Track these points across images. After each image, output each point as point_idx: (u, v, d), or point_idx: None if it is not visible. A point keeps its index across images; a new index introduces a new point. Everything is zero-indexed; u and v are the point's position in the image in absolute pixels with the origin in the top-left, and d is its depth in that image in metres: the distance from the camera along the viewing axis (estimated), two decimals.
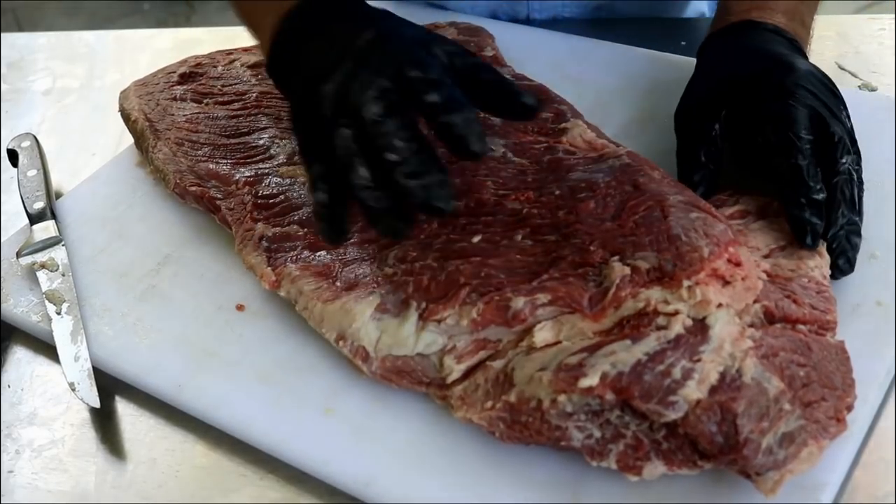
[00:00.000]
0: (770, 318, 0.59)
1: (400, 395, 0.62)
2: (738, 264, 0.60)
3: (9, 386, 0.69)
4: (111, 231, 0.77)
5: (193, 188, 0.74)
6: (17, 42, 1.09)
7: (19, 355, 0.71)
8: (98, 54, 1.06)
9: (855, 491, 0.56)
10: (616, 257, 0.60)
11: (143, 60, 1.01)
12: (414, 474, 0.58)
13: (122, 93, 0.86)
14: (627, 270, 0.59)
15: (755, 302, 0.59)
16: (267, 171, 0.73)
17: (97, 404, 0.64)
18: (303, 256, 0.66)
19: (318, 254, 0.66)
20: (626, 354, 0.55)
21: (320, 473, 0.59)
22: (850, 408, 0.56)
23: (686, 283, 0.57)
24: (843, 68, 0.85)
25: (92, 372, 0.66)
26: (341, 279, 0.64)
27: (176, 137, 0.78)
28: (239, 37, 1.00)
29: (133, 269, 0.73)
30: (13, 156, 0.82)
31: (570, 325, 0.59)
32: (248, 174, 0.73)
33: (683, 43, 0.92)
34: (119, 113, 0.84)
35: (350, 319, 0.61)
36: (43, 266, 0.72)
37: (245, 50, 0.88)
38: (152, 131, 0.80)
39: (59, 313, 0.69)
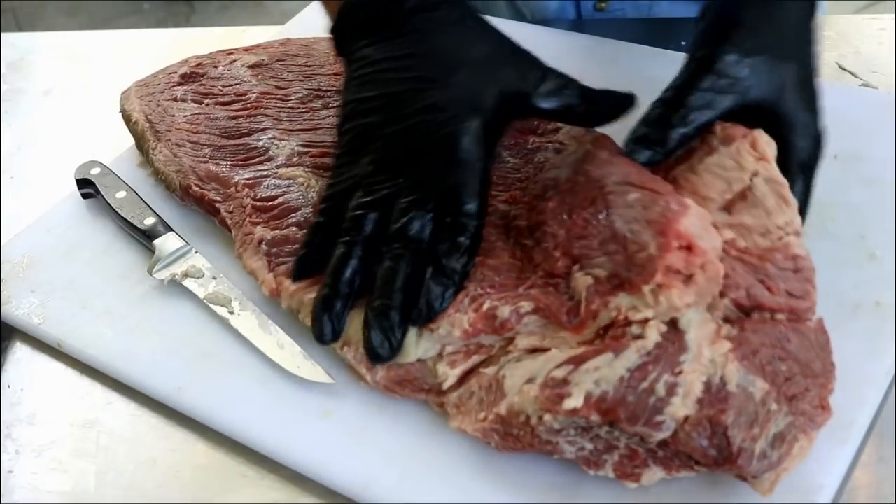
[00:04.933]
0: (742, 309, 0.57)
1: (398, 400, 0.62)
2: (690, 248, 0.56)
3: (9, 386, 0.69)
4: (112, 233, 0.77)
5: (194, 190, 0.74)
6: (17, 42, 1.09)
7: (19, 355, 0.71)
8: (98, 54, 1.06)
9: (855, 491, 0.56)
10: (577, 266, 0.59)
11: (143, 60, 1.00)
12: (412, 477, 0.58)
13: (123, 94, 0.86)
14: (590, 280, 0.58)
15: (722, 296, 0.57)
16: (266, 172, 0.73)
17: (329, 380, 0.63)
18: None
19: None
20: (609, 371, 0.54)
21: (318, 476, 0.59)
22: (830, 392, 0.56)
23: (646, 288, 0.55)
24: (843, 68, 0.85)
25: (304, 353, 0.64)
26: None
27: (176, 139, 0.78)
28: (239, 37, 1.01)
29: (134, 271, 0.73)
30: (85, 184, 0.80)
31: (552, 332, 0.58)
32: (247, 176, 0.73)
33: (683, 43, 0.92)
34: (120, 114, 0.84)
35: (351, 327, 0.61)
36: (186, 275, 0.71)
37: (246, 50, 0.88)
38: (153, 132, 0.80)
39: (232, 312, 0.68)
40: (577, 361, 0.55)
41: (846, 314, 0.62)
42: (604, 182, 0.61)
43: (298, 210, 0.70)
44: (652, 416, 0.52)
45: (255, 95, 0.81)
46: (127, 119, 0.83)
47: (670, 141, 0.62)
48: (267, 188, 0.72)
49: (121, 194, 0.77)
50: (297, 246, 0.67)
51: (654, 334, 0.54)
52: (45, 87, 1.01)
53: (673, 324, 0.55)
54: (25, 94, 1.01)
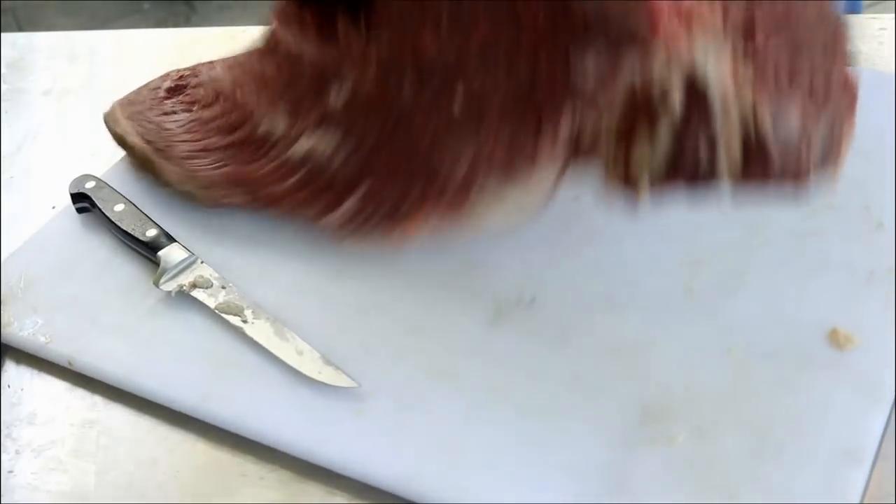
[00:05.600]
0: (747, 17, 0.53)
1: (432, 391, 0.61)
2: None
3: (9, 386, 0.69)
4: (110, 247, 0.76)
5: (225, 202, 0.73)
6: (17, 42, 1.09)
7: (19, 355, 0.71)
8: (98, 54, 1.06)
9: None
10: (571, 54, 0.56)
11: (143, 60, 1.01)
12: (456, 468, 0.57)
13: (107, 115, 0.83)
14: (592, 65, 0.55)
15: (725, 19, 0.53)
16: (282, 154, 0.72)
17: (353, 383, 0.62)
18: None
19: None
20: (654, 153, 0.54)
21: (358, 474, 0.59)
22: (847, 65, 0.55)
23: (657, 43, 0.52)
24: None
25: (324, 357, 0.64)
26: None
27: (180, 152, 0.77)
28: (239, 36, 1.00)
29: (138, 285, 0.72)
30: (80, 198, 0.79)
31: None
32: (269, 166, 0.72)
33: None
34: (113, 138, 0.82)
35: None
36: (194, 286, 0.70)
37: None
38: (154, 152, 0.78)
39: (245, 321, 0.67)
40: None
41: (861, 283, 0.63)
42: None
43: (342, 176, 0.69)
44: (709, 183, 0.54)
45: (230, 88, 0.79)
46: (121, 142, 0.81)
47: None
48: (294, 167, 0.71)
49: (119, 207, 0.76)
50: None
51: (677, 96, 0.53)
52: (45, 87, 1.01)
53: (691, 82, 0.53)
54: (25, 94, 1.01)
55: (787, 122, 0.53)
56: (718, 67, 0.52)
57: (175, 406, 0.64)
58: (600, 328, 0.64)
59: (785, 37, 0.54)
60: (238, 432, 0.62)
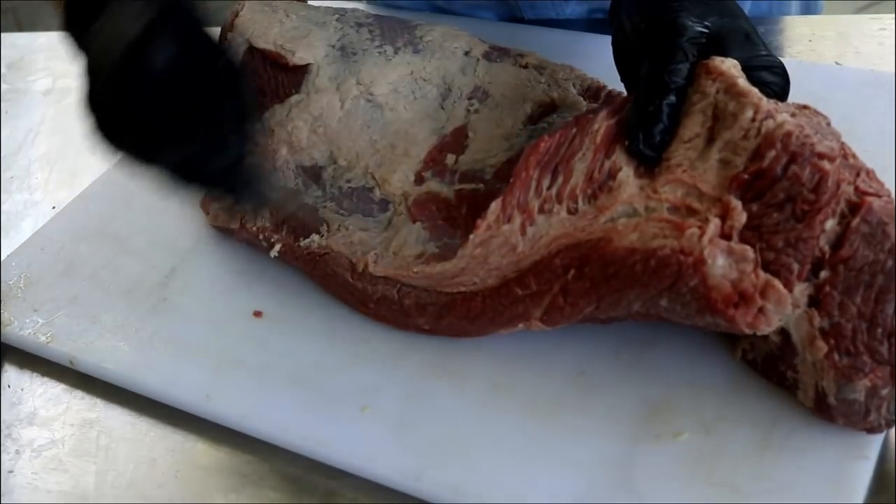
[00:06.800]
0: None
1: (437, 388, 0.62)
2: (742, 296, 0.54)
3: (9, 386, 0.69)
4: (111, 247, 0.76)
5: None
6: (17, 42, 1.09)
7: (19, 355, 0.71)
8: None
9: None
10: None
11: None
12: (463, 462, 0.58)
13: None
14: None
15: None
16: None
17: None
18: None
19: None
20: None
21: (366, 472, 0.59)
22: None
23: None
24: None
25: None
26: None
27: None
28: None
29: (140, 284, 0.72)
30: None
31: None
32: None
33: None
34: None
35: None
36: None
37: None
38: None
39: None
40: None
41: None
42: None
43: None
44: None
45: None
46: None
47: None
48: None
49: None
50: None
51: (775, 339, 0.57)
52: (45, 87, 1.02)
53: (784, 332, 0.56)
54: (25, 94, 1.01)
55: (852, 390, 0.54)
56: (799, 330, 0.55)
57: (178, 405, 0.64)
58: (606, 325, 0.63)
59: (866, 295, 0.54)
60: (242, 431, 0.62)
